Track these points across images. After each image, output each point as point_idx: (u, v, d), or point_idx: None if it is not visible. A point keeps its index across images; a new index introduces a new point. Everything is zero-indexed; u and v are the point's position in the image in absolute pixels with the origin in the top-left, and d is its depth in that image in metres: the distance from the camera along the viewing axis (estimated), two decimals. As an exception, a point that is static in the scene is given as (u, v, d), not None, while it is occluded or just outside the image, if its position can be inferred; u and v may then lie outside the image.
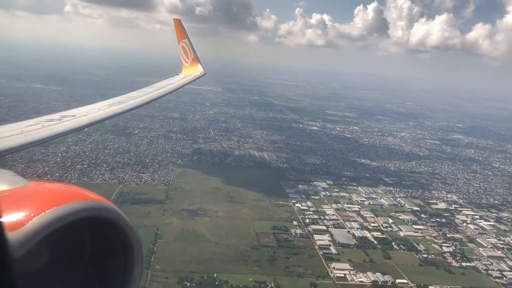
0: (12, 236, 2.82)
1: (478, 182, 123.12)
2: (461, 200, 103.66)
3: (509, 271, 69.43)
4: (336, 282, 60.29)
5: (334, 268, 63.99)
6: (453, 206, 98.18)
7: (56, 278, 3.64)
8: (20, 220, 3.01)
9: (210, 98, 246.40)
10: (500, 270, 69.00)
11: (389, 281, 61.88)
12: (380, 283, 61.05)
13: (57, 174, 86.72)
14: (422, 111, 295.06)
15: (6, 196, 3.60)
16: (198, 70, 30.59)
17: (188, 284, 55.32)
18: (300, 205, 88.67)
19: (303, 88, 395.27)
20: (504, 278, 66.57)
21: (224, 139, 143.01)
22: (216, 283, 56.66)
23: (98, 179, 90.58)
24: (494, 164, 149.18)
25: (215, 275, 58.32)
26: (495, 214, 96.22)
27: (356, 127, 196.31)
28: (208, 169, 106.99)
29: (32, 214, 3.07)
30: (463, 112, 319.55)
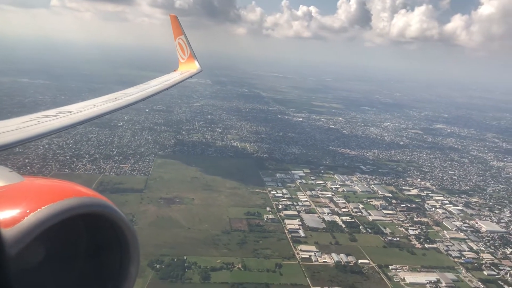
0: (7, 232, 2.80)
1: (453, 169, 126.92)
2: (434, 187, 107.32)
3: (468, 251, 73.10)
4: (300, 263, 63.51)
5: (300, 250, 67.21)
6: (425, 192, 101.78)
7: (52, 274, 3.63)
8: (16, 216, 2.99)
9: (198, 90, 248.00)
10: (460, 251, 72.64)
11: (352, 261, 65.17)
12: (343, 263, 64.32)
13: (37, 166, 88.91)
14: (409, 102, 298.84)
15: (1, 192, 3.57)
16: (194, 66, 30.62)
17: (158, 266, 58.26)
18: (275, 192, 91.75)
19: (293, 80, 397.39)
20: (463, 258, 70.22)
21: (208, 131, 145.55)
22: (185, 264, 59.66)
23: (80, 170, 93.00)
24: (472, 152, 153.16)
25: (185, 257, 61.28)
26: (464, 199, 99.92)
27: (340, 118, 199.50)
28: (189, 160, 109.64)
29: (28, 211, 3.05)
30: (450, 102, 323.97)
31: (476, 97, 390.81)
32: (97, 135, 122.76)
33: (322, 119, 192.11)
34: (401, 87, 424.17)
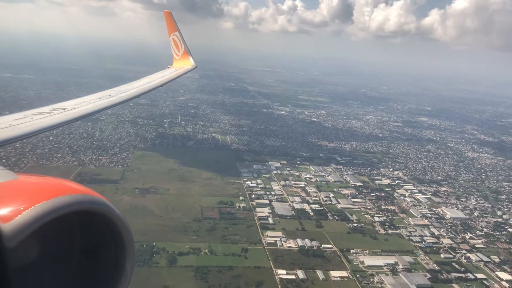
0: (0, 230, 2.71)
1: (428, 160, 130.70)
2: (406, 177, 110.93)
3: (430, 236, 76.67)
4: (266, 248, 66.57)
5: (267, 235, 70.25)
6: (396, 181, 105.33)
7: (47, 272, 3.62)
8: (9, 214, 2.97)
9: (185, 84, 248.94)
10: (422, 236, 76.18)
11: (315, 246, 68.38)
12: (306, 248, 67.49)
13: (13, 159, 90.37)
14: (395, 95, 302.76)
15: None
16: (189, 63, 30.28)
17: (127, 251, 60.77)
18: (250, 182, 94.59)
19: (282, 74, 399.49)
20: (423, 242, 73.74)
21: (190, 124, 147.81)
22: (154, 250, 62.34)
23: (58, 162, 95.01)
24: (449, 144, 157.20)
25: (154, 243, 63.93)
26: (434, 189, 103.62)
27: (323, 111, 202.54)
28: (168, 152, 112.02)
29: (21, 208, 3.02)
30: (435, 95, 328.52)
31: (462, 90, 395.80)
32: (79, 128, 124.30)
33: (306, 113, 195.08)
34: (388, 81, 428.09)
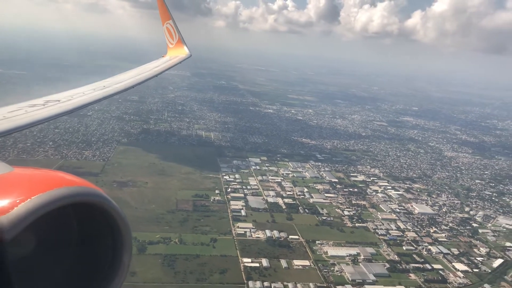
0: None
1: (406, 158, 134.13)
2: (382, 174, 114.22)
3: (395, 229, 79.90)
4: (235, 238, 69.51)
5: (238, 227, 73.20)
6: (371, 178, 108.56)
7: (44, 265, 3.64)
8: (5, 206, 2.98)
9: (175, 82, 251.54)
10: (387, 229, 79.39)
11: (283, 237, 71.41)
12: (274, 238, 70.51)
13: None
14: (384, 96, 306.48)
15: None
16: (183, 52, 29.69)
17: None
18: (228, 177, 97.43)
19: (275, 73, 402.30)
20: (388, 235, 76.96)
21: (176, 120, 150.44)
22: (126, 239, 64.98)
23: (40, 156, 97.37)
24: (430, 143, 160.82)
25: (126, 233, 66.55)
26: (407, 185, 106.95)
27: (310, 110, 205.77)
28: (151, 147, 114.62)
29: (18, 201, 3.03)
30: (425, 96, 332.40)
31: (453, 92, 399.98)
32: (65, 123, 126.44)
33: (292, 111, 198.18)
34: (380, 81, 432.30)
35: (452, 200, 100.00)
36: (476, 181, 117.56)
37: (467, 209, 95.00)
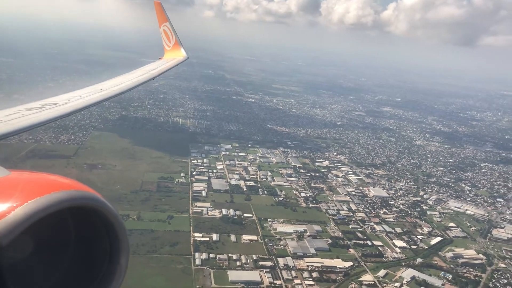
0: None
1: (375, 146, 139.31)
2: (347, 160, 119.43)
3: (346, 210, 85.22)
4: (191, 216, 74.60)
5: (196, 206, 78.26)
6: (335, 164, 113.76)
7: (41, 268, 3.68)
8: (2, 211, 3.00)
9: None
10: (338, 210, 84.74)
11: (238, 215, 76.58)
12: (228, 216, 75.67)
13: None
14: (370, 87, 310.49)
15: None
16: (181, 54, 29.85)
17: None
18: (196, 161, 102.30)
19: (265, 63, 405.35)
20: (338, 215, 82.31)
21: (155, 108, 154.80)
22: (87, 215, 69.89)
23: (13, 139, 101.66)
24: (403, 133, 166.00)
25: (88, 209, 71.42)
26: (369, 171, 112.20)
27: (292, 100, 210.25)
28: (125, 133, 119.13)
29: (15, 205, 3.05)
30: (411, 88, 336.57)
31: (442, 83, 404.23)
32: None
33: (274, 101, 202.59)
34: (370, 73, 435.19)
35: (410, 185, 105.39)
36: (439, 168, 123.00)
37: (421, 193, 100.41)
